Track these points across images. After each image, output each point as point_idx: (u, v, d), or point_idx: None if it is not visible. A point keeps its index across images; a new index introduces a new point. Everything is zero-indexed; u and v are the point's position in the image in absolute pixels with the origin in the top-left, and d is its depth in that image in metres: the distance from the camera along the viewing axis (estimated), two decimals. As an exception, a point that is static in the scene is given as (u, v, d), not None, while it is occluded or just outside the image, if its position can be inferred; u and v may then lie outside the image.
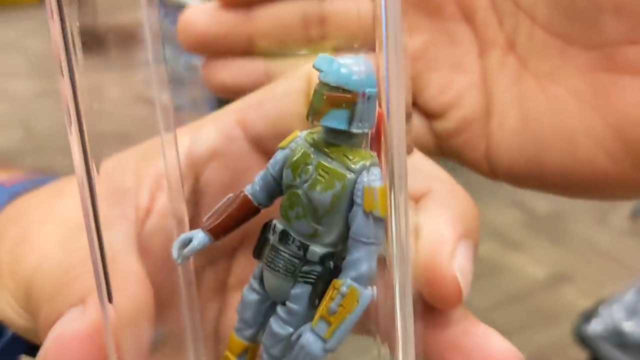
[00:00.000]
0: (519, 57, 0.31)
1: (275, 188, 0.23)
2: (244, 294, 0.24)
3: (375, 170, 0.22)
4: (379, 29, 0.20)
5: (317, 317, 0.21)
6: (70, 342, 0.21)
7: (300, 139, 0.23)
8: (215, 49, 0.33)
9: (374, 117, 0.22)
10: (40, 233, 0.26)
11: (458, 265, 0.23)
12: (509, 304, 1.50)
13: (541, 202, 1.93)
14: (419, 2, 0.32)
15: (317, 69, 0.21)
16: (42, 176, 0.34)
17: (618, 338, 0.91)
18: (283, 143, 0.23)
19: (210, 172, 0.27)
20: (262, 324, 0.24)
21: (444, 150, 0.32)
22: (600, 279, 1.58)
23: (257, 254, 0.23)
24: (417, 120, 0.25)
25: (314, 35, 0.32)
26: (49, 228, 0.26)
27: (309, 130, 0.23)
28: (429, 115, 0.32)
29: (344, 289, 0.21)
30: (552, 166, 0.30)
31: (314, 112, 0.21)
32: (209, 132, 0.27)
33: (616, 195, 0.31)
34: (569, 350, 1.05)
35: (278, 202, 0.23)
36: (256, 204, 0.23)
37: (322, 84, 0.21)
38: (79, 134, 0.19)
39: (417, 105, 0.29)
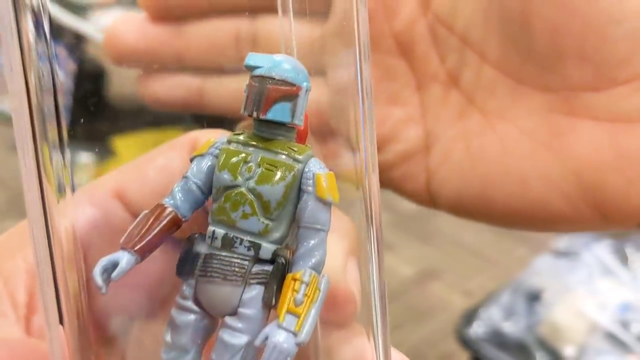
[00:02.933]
0: (464, 93, 0.31)
1: (200, 198, 0.23)
2: (174, 317, 0.21)
3: (317, 160, 0.22)
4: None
5: (282, 312, 0.21)
6: None
7: (221, 143, 0.23)
8: (143, 63, 0.32)
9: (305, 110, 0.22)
10: None
11: (351, 279, 0.23)
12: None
13: (407, 201, 1.96)
14: None
15: (254, 66, 0.21)
16: None
17: (498, 338, 0.92)
18: (200, 151, 0.23)
19: (94, 251, 0.24)
20: (200, 345, 0.22)
21: (383, 181, 0.31)
22: (466, 274, 1.63)
23: (184, 271, 0.22)
24: (347, 151, 0.24)
25: (245, 55, 0.30)
26: None
27: (231, 134, 0.23)
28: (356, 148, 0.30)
29: (306, 278, 0.21)
30: (501, 203, 0.30)
31: (258, 107, 0.21)
32: (86, 209, 0.24)
33: (568, 231, 0.30)
34: (442, 344, 1.07)
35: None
36: (180, 217, 0.22)
37: (263, 79, 0.21)
38: None
39: (345, 136, 0.27)
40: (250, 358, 0.21)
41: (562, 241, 1.02)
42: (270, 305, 0.21)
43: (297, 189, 0.21)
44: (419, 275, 1.68)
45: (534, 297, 0.96)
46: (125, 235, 0.21)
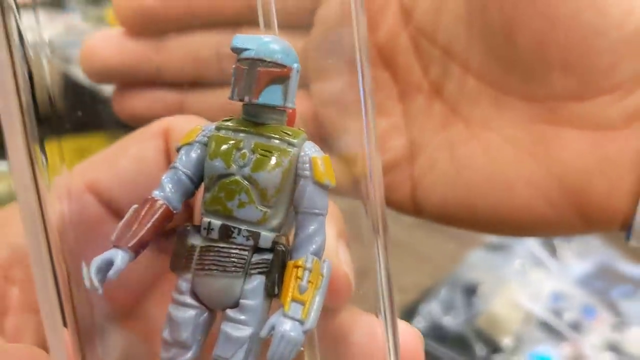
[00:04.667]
0: (447, 103, 0.31)
1: (190, 188, 0.21)
2: (171, 314, 0.21)
3: (311, 143, 0.21)
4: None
5: (287, 301, 0.20)
6: None
7: (209, 130, 0.21)
8: (122, 79, 0.31)
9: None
10: None
11: (343, 260, 0.23)
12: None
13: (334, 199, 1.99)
14: None
15: (242, 48, 0.20)
16: None
17: (438, 333, 0.93)
18: (186, 139, 0.21)
19: (67, 245, 0.23)
20: (201, 341, 0.21)
21: None
22: (399, 271, 1.65)
23: (179, 266, 0.21)
24: (338, 163, 0.24)
25: (227, 69, 0.29)
26: None
27: (219, 121, 0.22)
28: (351, 157, 0.30)
29: (309, 264, 0.20)
30: (486, 211, 0.30)
31: (248, 92, 0.20)
32: (59, 205, 0.24)
33: (552, 235, 0.30)
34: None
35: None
36: (172, 210, 0.21)
37: (252, 61, 0.20)
38: None
39: (337, 148, 0.28)
40: (255, 350, 0.21)
41: (494, 236, 1.05)
42: (272, 294, 0.21)
43: (293, 174, 0.21)
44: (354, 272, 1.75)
45: (471, 291, 0.98)
46: (116, 231, 0.21)
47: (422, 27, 0.31)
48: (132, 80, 0.32)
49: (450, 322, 0.94)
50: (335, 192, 0.22)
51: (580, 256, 1.04)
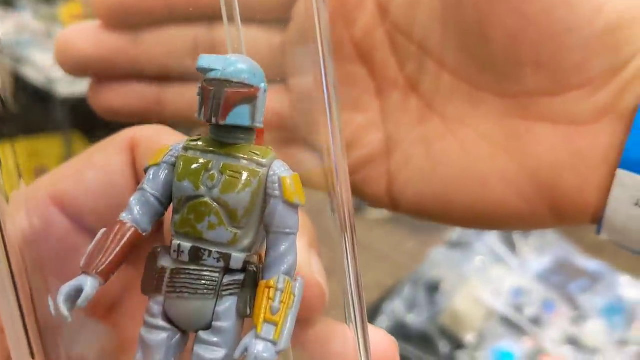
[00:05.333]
0: (423, 99, 0.32)
1: (159, 209, 0.22)
2: (144, 337, 0.21)
3: (280, 162, 0.21)
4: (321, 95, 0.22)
5: (259, 322, 0.20)
6: None
7: (177, 150, 0.21)
8: (98, 73, 0.31)
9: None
10: None
11: (317, 272, 0.23)
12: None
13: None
14: None
15: (208, 69, 0.20)
16: None
17: (403, 331, 0.96)
18: (154, 160, 0.22)
19: (34, 262, 0.23)
20: None
21: None
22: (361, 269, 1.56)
23: (150, 289, 0.21)
24: (315, 158, 0.25)
25: None
26: None
27: (186, 140, 0.22)
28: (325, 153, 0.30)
29: (280, 284, 0.20)
30: (461, 205, 0.31)
31: (216, 113, 0.20)
32: (21, 219, 0.23)
33: (525, 229, 0.33)
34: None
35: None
36: (141, 232, 0.21)
37: (219, 82, 0.20)
38: None
39: (314, 143, 0.27)
40: None
41: (454, 233, 1.06)
42: (245, 315, 0.21)
43: (263, 194, 0.21)
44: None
45: (433, 288, 1.00)
46: (85, 257, 0.20)
47: (398, 23, 0.31)
48: (109, 74, 0.31)
49: (414, 320, 0.97)
50: (305, 186, 0.21)
51: (539, 252, 1.03)
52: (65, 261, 0.23)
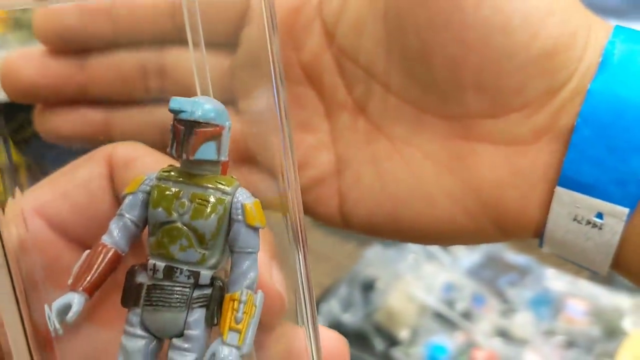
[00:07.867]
0: (371, 120, 0.33)
1: (136, 232, 0.25)
2: (124, 344, 0.23)
3: (243, 190, 0.24)
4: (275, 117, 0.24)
5: (225, 331, 0.23)
6: None
7: (151, 180, 0.24)
8: (45, 99, 0.31)
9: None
10: None
11: (277, 282, 0.25)
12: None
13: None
14: None
15: (179, 110, 0.23)
16: None
17: (339, 330, 0.97)
18: (131, 188, 0.24)
19: (23, 270, 0.25)
20: None
21: None
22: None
23: (130, 302, 0.24)
24: (267, 180, 0.26)
25: (153, 86, 0.32)
26: None
27: (159, 171, 0.24)
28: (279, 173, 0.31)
29: (244, 297, 0.23)
30: (410, 222, 0.32)
31: (186, 150, 0.23)
32: (12, 230, 0.25)
33: (472, 243, 0.34)
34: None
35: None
36: (121, 253, 0.24)
37: (189, 122, 0.23)
38: None
39: (265, 164, 0.28)
40: None
41: None
42: (212, 324, 0.24)
43: (227, 219, 0.24)
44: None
45: (368, 287, 1.01)
46: (72, 276, 0.23)
47: (344, 48, 0.32)
48: (56, 100, 0.31)
49: (350, 319, 0.98)
50: (264, 208, 0.24)
51: (470, 248, 1.06)
52: (54, 272, 0.25)
